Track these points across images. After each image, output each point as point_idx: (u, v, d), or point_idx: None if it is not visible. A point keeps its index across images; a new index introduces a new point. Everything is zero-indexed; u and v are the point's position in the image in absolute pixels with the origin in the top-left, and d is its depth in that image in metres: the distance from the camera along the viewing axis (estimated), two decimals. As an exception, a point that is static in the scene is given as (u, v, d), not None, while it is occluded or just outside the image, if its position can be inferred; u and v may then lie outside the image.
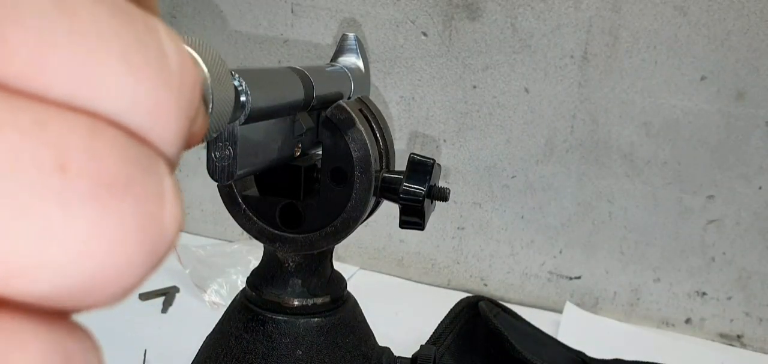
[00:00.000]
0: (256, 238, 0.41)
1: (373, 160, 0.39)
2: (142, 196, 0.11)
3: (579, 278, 0.83)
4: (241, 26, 0.89)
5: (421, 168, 0.40)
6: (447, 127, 0.83)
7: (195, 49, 0.19)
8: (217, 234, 0.96)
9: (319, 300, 0.42)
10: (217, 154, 0.32)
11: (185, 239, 0.94)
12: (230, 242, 0.91)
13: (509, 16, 0.78)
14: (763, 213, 0.75)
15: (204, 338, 0.44)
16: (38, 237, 0.10)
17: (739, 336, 0.79)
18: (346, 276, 0.46)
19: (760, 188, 0.75)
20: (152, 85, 0.12)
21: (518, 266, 0.84)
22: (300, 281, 0.42)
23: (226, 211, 0.41)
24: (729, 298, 0.78)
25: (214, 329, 0.44)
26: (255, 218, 0.40)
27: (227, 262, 0.80)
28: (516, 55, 0.79)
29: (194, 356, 0.44)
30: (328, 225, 0.39)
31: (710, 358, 0.75)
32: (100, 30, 0.11)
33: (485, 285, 0.86)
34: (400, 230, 0.54)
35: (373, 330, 0.46)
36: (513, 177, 0.82)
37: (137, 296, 0.74)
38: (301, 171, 0.40)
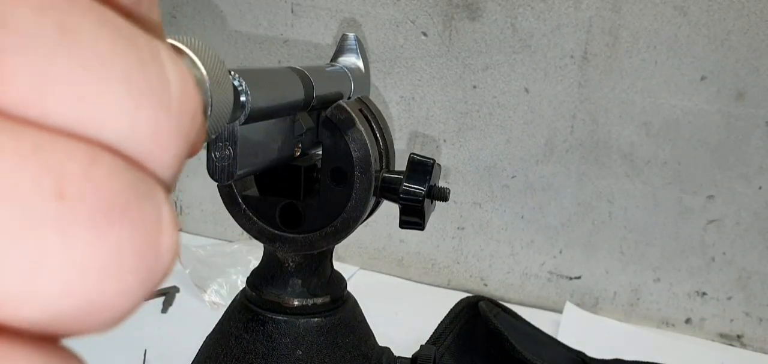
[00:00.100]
0: (256, 238, 0.41)
1: (373, 160, 0.39)
2: (139, 222, 0.11)
3: (579, 278, 0.83)
4: (241, 26, 0.89)
5: (421, 168, 0.40)
6: (447, 127, 0.83)
7: (193, 51, 0.19)
8: (217, 234, 0.96)
9: (319, 300, 0.42)
10: (217, 154, 0.32)
11: (185, 239, 0.94)
12: (230, 242, 0.91)
13: (509, 16, 0.78)
14: (763, 213, 0.75)
15: (204, 338, 0.44)
16: (33, 263, 0.10)
17: (739, 336, 0.79)
18: (346, 276, 0.46)
19: (760, 188, 0.75)
20: (153, 111, 0.12)
21: (518, 266, 0.84)
22: (300, 281, 0.42)
23: (226, 211, 0.41)
24: (729, 298, 0.78)
25: (214, 329, 0.44)
26: (255, 218, 0.40)
27: (227, 262, 0.80)
28: (516, 55, 0.79)
29: (194, 356, 0.44)
30: (328, 225, 0.39)
31: (710, 358, 0.75)
32: (103, 56, 0.11)
33: (485, 285, 0.86)
34: (400, 230, 0.54)
35: (373, 330, 0.46)
36: (513, 177, 0.82)
37: (137, 296, 0.74)
38: (301, 171, 0.40)
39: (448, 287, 0.87)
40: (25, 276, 0.10)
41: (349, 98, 0.44)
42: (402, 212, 0.41)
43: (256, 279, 0.43)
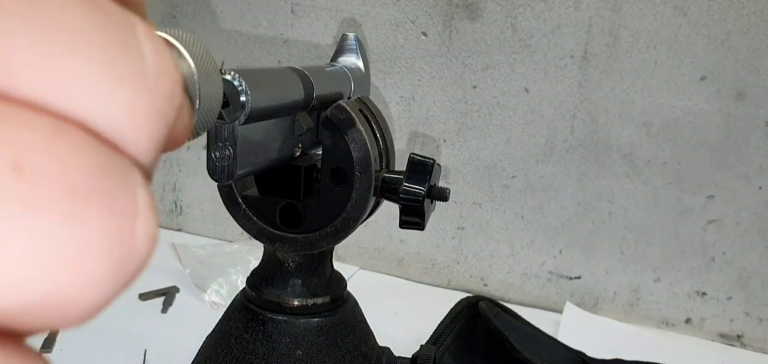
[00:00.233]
0: (256, 238, 0.41)
1: (373, 160, 0.39)
2: (110, 207, 0.10)
3: (579, 278, 0.83)
4: (241, 26, 0.89)
5: (421, 168, 0.40)
6: (447, 127, 0.83)
7: (182, 44, 0.19)
8: (217, 234, 0.96)
9: (319, 300, 0.42)
10: (217, 154, 0.32)
11: (185, 238, 0.94)
12: (230, 242, 0.91)
13: (509, 16, 0.78)
14: (763, 213, 0.75)
15: (204, 338, 0.44)
16: None
17: (739, 336, 0.79)
18: (346, 276, 0.46)
19: (760, 187, 0.75)
20: (126, 86, 0.11)
21: (518, 266, 0.84)
22: (300, 281, 0.42)
23: (226, 211, 0.41)
24: (729, 298, 0.78)
25: (214, 329, 0.44)
26: (255, 218, 0.40)
27: (227, 262, 0.80)
28: (516, 55, 0.79)
29: (194, 356, 0.44)
30: (328, 225, 0.39)
31: (710, 358, 0.75)
32: (70, 25, 0.10)
33: (485, 285, 0.86)
34: (400, 230, 0.54)
35: (373, 330, 0.46)
36: (513, 177, 0.82)
37: (137, 296, 0.74)
38: (301, 171, 0.40)
39: (448, 287, 0.87)
40: None
41: (349, 98, 0.44)
42: (402, 212, 0.41)
43: (256, 279, 0.43)
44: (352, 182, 0.39)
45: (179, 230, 0.99)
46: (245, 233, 0.41)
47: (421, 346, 0.49)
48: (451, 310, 0.65)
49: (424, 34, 0.81)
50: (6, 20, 0.10)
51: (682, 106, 0.75)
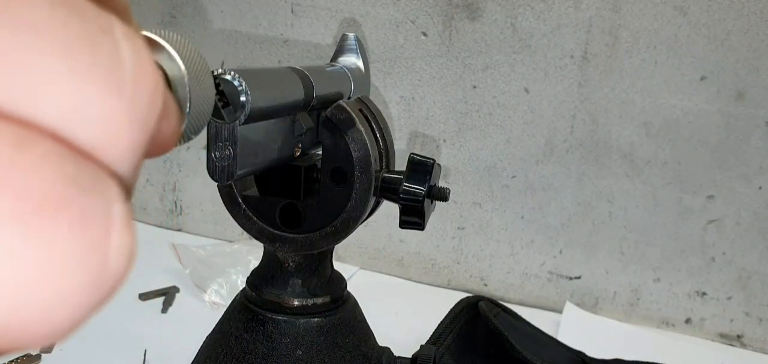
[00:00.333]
0: (256, 238, 0.41)
1: (373, 160, 0.39)
2: (81, 220, 0.10)
3: (579, 278, 0.83)
4: (241, 26, 0.89)
5: (421, 168, 0.40)
6: (447, 127, 0.83)
7: (172, 45, 0.18)
8: (217, 234, 0.96)
9: (319, 300, 0.42)
10: (217, 154, 0.32)
11: (185, 238, 0.94)
12: (230, 242, 0.91)
13: (509, 16, 0.78)
14: (763, 213, 0.75)
15: (204, 338, 0.44)
16: None
17: (739, 336, 0.79)
18: (346, 276, 0.46)
19: (760, 187, 0.75)
20: (100, 91, 0.10)
21: (518, 266, 0.84)
22: (300, 281, 0.42)
23: (226, 211, 0.41)
24: (729, 298, 0.78)
25: (214, 329, 0.44)
26: (255, 218, 0.40)
27: (227, 262, 0.80)
28: (516, 55, 0.79)
29: (194, 356, 0.44)
30: (328, 225, 0.39)
31: (710, 358, 0.75)
32: (37, 22, 0.09)
33: (485, 285, 0.86)
34: (400, 230, 0.54)
35: (373, 330, 0.46)
36: (513, 177, 0.82)
37: (137, 296, 0.74)
38: (301, 171, 0.40)
39: (448, 287, 0.87)
40: None
41: (349, 98, 0.44)
42: (402, 212, 0.41)
43: (256, 279, 0.43)
44: (352, 182, 0.39)
45: (179, 230, 0.99)
46: (245, 233, 0.41)
47: (421, 346, 0.49)
48: (451, 310, 0.65)
49: (424, 34, 0.81)
50: None
51: (682, 106, 0.75)
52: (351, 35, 0.48)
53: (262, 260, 0.43)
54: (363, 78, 0.48)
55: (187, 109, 0.19)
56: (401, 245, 0.88)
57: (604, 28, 0.75)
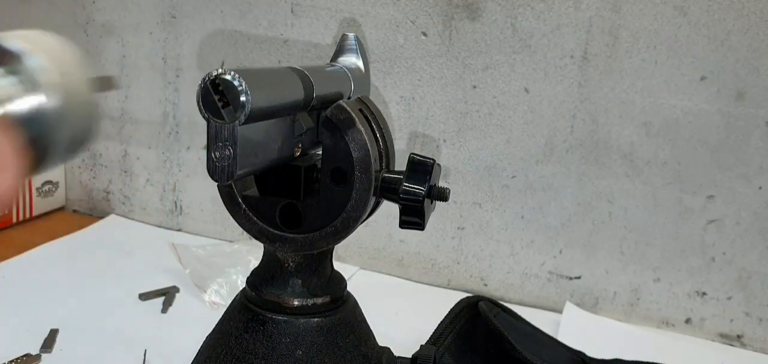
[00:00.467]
0: (256, 238, 0.41)
1: (373, 160, 0.39)
2: None
3: (579, 278, 0.83)
4: (241, 26, 0.89)
5: (421, 168, 0.40)
6: (447, 127, 0.83)
7: (29, 48, 0.14)
8: (217, 234, 0.96)
9: (319, 300, 0.42)
10: (217, 154, 0.32)
11: (185, 238, 0.94)
12: (230, 242, 0.91)
13: (509, 16, 0.78)
14: (763, 213, 0.75)
15: (204, 338, 0.44)
16: None
17: (739, 336, 0.79)
18: (346, 276, 0.46)
19: (760, 188, 0.75)
20: None
21: (518, 266, 0.84)
22: (300, 281, 0.42)
23: (226, 211, 0.41)
24: (729, 298, 0.78)
25: (214, 329, 0.44)
26: (255, 218, 0.40)
27: (227, 262, 0.80)
28: (516, 55, 0.79)
29: (194, 356, 0.44)
30: (328, 225, 0.39)
31: (710, 358, 0.75)
32: None
33: (485, 285, 0.86)
34: (400, 230, 0.54)
35: (373, 330, 0.46)
36: (513, 177, 0.82)
37: (137, 296, 0.74)
38: (301, 171, 0.40)
39: (448, 287, 0.87)
40: None
41: (349, 98, 0.44)
42: (402, 212, 0.41)
43: (256, 279, 0.43)
44: (352, 182, 0.39)
45: (179, 230, 0.99)
46: (245, 233, 0.41)
47: (421, 346, 0.49)
48: (451, 310, 0.65)
49: (424, 34, 0.82)
50: None
51: (682, 106, 0.75)
52: (351, 35, 0.48)
53: (262, 260, 0.43)
54: (363, 78, 0.48)
55: (56, 133, 0.14)
56: (401, 245, 0.88)
57: (604, 28, 0.75)
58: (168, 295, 0.75)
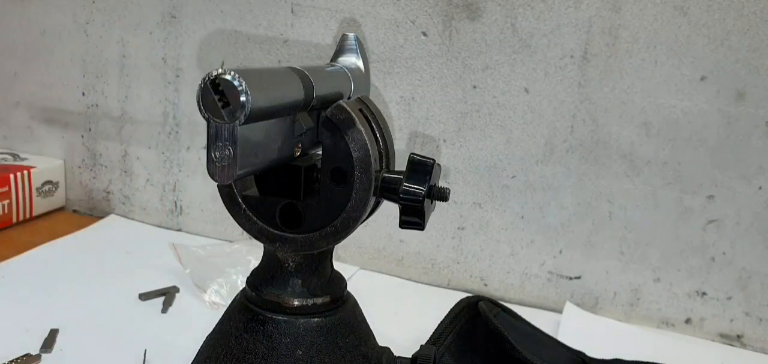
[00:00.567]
0: (256, 238, 0.41)
1: (373, 160, 0.39)
2: None
3: (579, 278, 0.83)
4: (241, 26, 0.89)
5: (421, 168, 0.40)
6: (447, 127, 0.83)
7: None
8: (217, 234, 0.96)
9: (319, 300, 0.42)
10: (217, 154, 0.32)
11: (185, 239, 0.94)
12: (230, 242, 0.91)
13: (509, 16, 0.78)
14: (763, 213, 0.75)
15: (204, 338, 0.44)
16: None
17: (739, 336, 0.79)
18: (346, 276, 0.46)
19: (760, 188, 0.75)
20: None
21: (518, 266, 0.84)
22: (300, 281, 0.42)
23: (226, 211, 0.41)
24: (729, 298, 0.78)
25: (214, 329, 0.44)
26: (255, 218, 0.40)
27: (227, 262, 0.80)
28: (516, 55, 0.79)
29: (194, 356, 0.44)
30: (328, 225, 0.39)
31: (710, 358, 0.75)
32: None
33: (485, 285, 0.86)
34: (400, 230, 0.54)
35: (373, 330, 0.46)
36: (513, 177, 0.82)
37: (137, 296, 0.74)
38: (301, 171, 0.40)
39: (448, 287, 0.87)
40: None
41: (349, 98, 0.44)
42: (402, 212, 0.41)
43: (256, 279, 0.43)
44: (352, 182, 0.39)
45: (179, 230, 0.99)
46: (245, 233, 0.41)
47: (421, 346, 0.49)
48: (451, 310, 0.65)
49: (424, 34, 0.82)
50: None
51: (682, 106, 0.75)
52: (351, 35, 0.48)
53: (262, 260, 0.43)
54: (363, 78, 0.48)
55: None
56: (401, 245, 0.88)
57: (604, 28, 0.75)
58: (168, 295, 0.75)
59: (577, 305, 0.83)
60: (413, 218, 0.40)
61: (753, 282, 0.77)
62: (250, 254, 0.82)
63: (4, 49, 1.05)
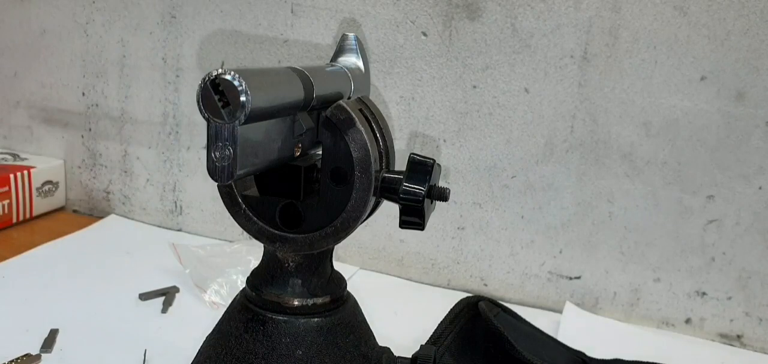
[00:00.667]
0: (256, 238, 0.41)
1: (373, 160, 0.39)
2: None
3: (579, 278, 0.83)
4: (241, 26, 0.89)
5: (421, 168, 0.40)
6: (447, 127, 0.83)
7: None
8: (217, 234, 0.96)
9: (319, 300, 0.42)
10: (217, 154, 0.32)
11: (185, 238, 0.94)
12: (230, 242, 0.91)
13: (509, 16, 0.78)
14: (763, 213, 0.75)
15: (204, 338, 0.44)
16: None
17: (739, 336, 0.79)
18: (346, 276, 0.46)
19: (760, 188, 0.75)
20: None
21: (518, 266, 0.84)
22: (300, 281, 0.42)
23: (226, 211, 0.41)
24: (729, 298, 0.78)
25: (214, 329, 0.44)
26: (255, 218, 0.40)
27: (227, 262, 0.80)
28: (516, 55, 0.79)
29: (194, 356, 0.44)
30: (328, 225, 0.39)
31: (710, 358, 0.75)
32: None
33: (485, 285, 0.86)
34: (400, 230, 0.54)
35: (373, 330, 0.46)
36: (513, 177, 0.82)
37: (137, 296, 0.74)
38: (301, 171, 0.40)
39: (448, 287, 0.87)
40: None
41: (349, 98, 0.44)
42: (402, 212, 0.41)
43: (256, 279, 0.43)
44: (352, 182, 0.39)
45: (179, 230, 0.99)
46: (245, 232, 0.41)
47: (421, 346, 0.49)
48: (451, 310, 0.65)
49: (424, 34, 0.82)
50: None
51: (682, 106, 0.75)
52: (351, 35, 0.48)
53: (262, 260, 0.43)
54: (363, 78, 0.48)
55: None
56: (401, 245, 0.88)
57: (604, 28, 0.75)
58: (168, 295, 0.75)
59: (577, 305, 0.83)
60: (413, 218, 0.40)
61: (753, 282, 0.77)
62: (250, 254, 0.82)
63: (4, 49, 1.05)
